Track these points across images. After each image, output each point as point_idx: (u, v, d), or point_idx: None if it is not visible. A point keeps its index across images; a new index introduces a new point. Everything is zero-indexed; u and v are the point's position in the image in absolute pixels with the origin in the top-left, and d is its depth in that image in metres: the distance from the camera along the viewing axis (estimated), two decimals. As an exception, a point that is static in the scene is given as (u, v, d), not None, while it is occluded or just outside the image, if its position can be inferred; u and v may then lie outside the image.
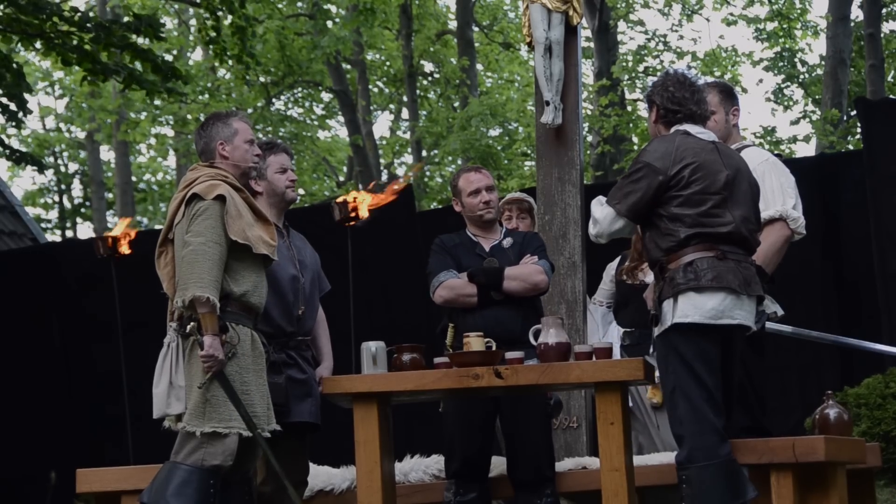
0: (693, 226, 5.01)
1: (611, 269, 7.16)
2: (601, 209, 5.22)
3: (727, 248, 5.04)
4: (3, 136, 15.63)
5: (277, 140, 5.94)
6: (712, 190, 5.05)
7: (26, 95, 11.50)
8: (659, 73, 5.44)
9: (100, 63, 11.22)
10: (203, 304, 4.92)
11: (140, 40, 12.45)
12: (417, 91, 22.78)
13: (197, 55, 24.98)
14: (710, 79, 5.92)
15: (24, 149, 24.58)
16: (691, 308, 4.97)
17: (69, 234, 28.30)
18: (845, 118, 16.74)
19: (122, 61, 11.87)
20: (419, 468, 6.07)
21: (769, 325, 5.48)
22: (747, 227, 5.13)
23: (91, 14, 12.04)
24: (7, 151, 12.34)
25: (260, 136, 23.91)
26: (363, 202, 7.69)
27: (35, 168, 13.12)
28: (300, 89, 24.75)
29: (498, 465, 5.93)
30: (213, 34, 12.88)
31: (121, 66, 11.65)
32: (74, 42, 11.25)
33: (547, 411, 5.85)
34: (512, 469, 5.79)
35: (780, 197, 5.62)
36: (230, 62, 13.73)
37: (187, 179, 5.23)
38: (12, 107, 11.42)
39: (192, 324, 4.98)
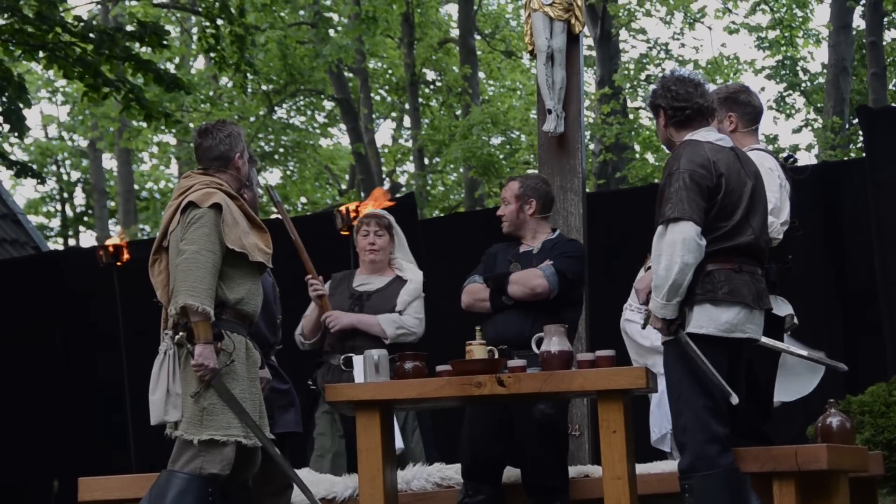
0: (720, 240, 4.99)
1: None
2: (666, 239, 4.94)
3: (744, 260, 5.04)
4: (6, 146, 15.60)
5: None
6: (741, 203, 5.04)
7: (25, 111, 11.49)
8: (657, 80, 5.37)
9: (101, 76, 11.21)
10: (195, 313, 4.93)
11: (143, 50, 12.43)
12: (419, 99, 22.77)
13: (199, 64, 25.00)
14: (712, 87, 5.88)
15: (26, 157, 24.65)
16: (706, 320, 4.96)
17: (71, 242, 28.30)
18: (847, 126, 16.74)
19: (125, 74, 11.85)
20: (421, 476, 6.07)
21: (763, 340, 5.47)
22: (764, 238, 5.14)
23: (94, 23, 12.03)
24: (7, 163, 12.32)
25: (262, 145, 23.96)
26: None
27: (36, 179, 13.10)
28: (302, 98, 24.75)
29: (514, 473, 5.93)
30: (212, 42, 12.88)
31: (122, 79, 11.64)
32: (77, 53, 11.24)
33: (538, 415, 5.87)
34: (525, 477, 5.79)
35: None
36: (229, 71, 13.74)
37: (182, 187, 5.23)
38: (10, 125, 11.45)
39: (181, 334, 5.00)
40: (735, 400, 4.90)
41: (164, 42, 11.62)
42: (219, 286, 5.05)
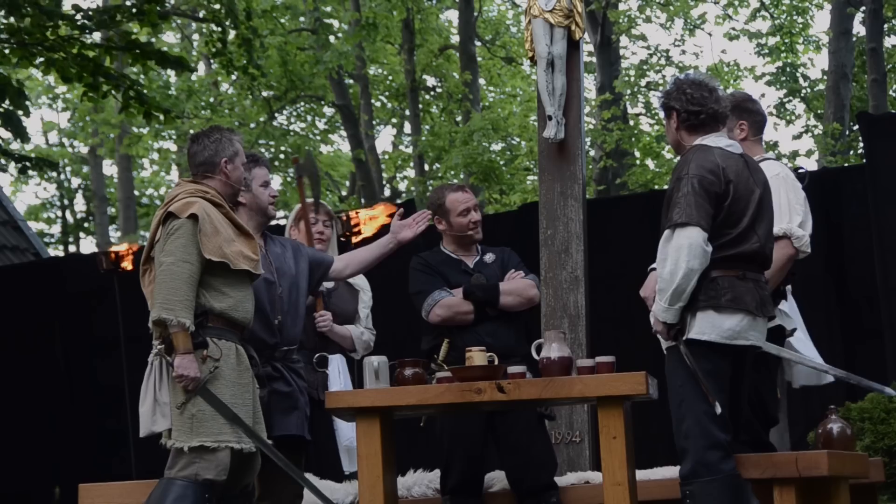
0: (725, 247, 5.00)
1: None
2: (672, 244, 4.95)
3: (748, 267, 5.04)
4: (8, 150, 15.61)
5: (258, 153, 5.94)
6: (747, 210, 5.05)
7: (24, 119, 11.47)
8: (668, 82, 5.37)
9: (101, 74, 11.16)
10: (172, 325, 4.94)
11: (139, 31, 12.28)
12: (420, 105, 22.79)
13: (199, 70, 25.00)
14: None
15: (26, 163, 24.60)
16: (709, 326, 4.97)
17: (72, 248, 28.30)
18: (847, 132, 16.76)
19: (124, 64, 11.76)
20: (422, 482, 6.07)
21: (768, 347, 5.47)
22: (769, 246, 5.14)
23: (95, 5, 11.91)
24: (14, 157, 12.26)
25: (262, 150, 23.98)
26: (367, 220, 7.74)
27: (46, 169, 12.94)
28: (302, 104, 24.77)
29: (497, 479, 5.93)
30: (219, 46, 12.87)
31: (122, 74, 11.58)
32: (75, 51, 11.19)
33: (543, 414, 5.88)
34: (514, 480, 5.79)
35: (786, 214, 5.61)
36: (235, 75, 13.74)
37: (169, 196, 5.25)
38: (9, 131, 11.43)
39: (159, 347, 5.00)
40: (718, 410, 4.90)
41: (165, 10, 11.51)
42: (202, 295, 5.06)
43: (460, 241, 6.13)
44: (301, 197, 6.30)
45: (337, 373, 6.44)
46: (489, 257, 6.13)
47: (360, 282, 6.72)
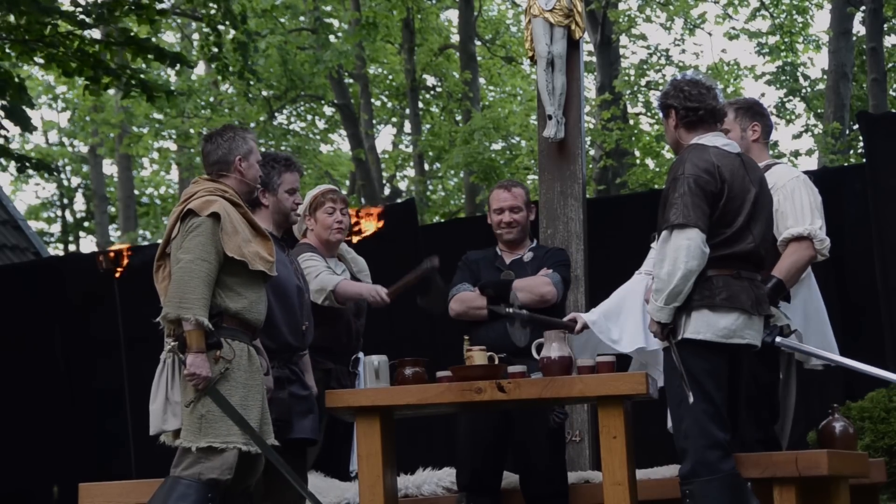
0: (720, 246, 5.00)
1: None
2: (670, 245, 4.96)
3: (743, 266, 5.05)
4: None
5: (294, 158, 5.88)
6: (742, 210, 5.05)
7: (28, 112, 11.45)
8: (667, 82, 5.39)
9: (101, 68, 11.14)
10: (188, 323, 4.93)
11: (138, 28, 12.28)
12: (420, 105, 22.78)
13: (199, 70, 25.00)
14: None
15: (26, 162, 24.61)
16: (704, 325, 4.98)
17: (72, 248, 28.30)
18: (847, 132, 16.75)
19: (125, 58, 11.75)
20: (432, 480, 6.07)
21: (782, 340, 5.48)
22: (765, 246, 5.16)
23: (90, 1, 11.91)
24: (14, 157, 12.25)
25: (262, 149, 23.92)
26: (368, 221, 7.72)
27: (44, 172, 12.95)
28: (302, 103, 24.76)
29: (511, 479, 5.93)
30: (214, 50, 12.85)
31: (123, 65, 11.55)
32: (75, 45, 11.16)
33: (553, 424, 5.87)
34: (524, 484, 5.80)
35: (808, 216, 5.64)
36: (232, 78, 13.72)
37: (187, 193, 5.22)
38: (12, 126, 11.41)
39: (172, 344, 4.99)
40: (691, 399, 4.89)
41: (162, 7, 11.49)
42: (218, 294, 5.04)
43: (499, 239, 6.16)
44: (410, 277, 6.15)
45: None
46: (528, 255, 6.11)
47: (362, 266, 6.69)
